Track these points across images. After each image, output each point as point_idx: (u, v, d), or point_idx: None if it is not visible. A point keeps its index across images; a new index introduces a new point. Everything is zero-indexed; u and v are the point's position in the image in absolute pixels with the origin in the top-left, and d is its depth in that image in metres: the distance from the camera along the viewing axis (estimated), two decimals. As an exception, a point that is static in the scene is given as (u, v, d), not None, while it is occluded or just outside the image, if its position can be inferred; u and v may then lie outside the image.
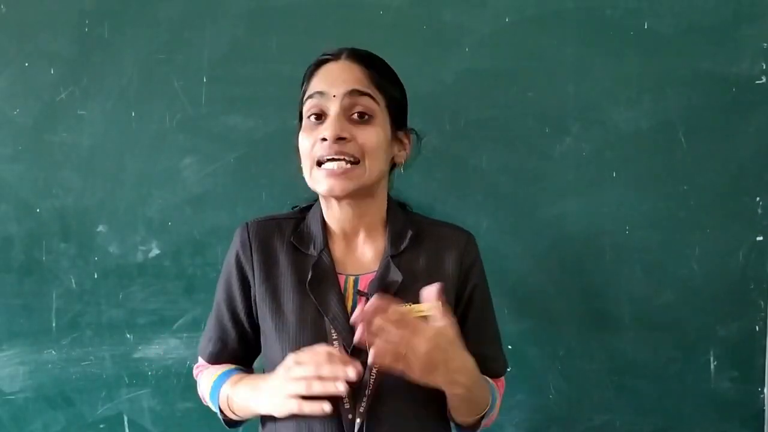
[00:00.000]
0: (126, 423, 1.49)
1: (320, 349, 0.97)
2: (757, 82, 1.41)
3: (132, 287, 1.47)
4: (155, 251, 1.46)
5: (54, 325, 1.47)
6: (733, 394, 1.46)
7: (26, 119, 1.44)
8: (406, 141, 1.12)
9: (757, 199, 1.43)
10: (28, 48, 1.43)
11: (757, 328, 1.45)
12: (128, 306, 1.47)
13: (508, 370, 1.21)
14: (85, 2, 1.43)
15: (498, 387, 1.17)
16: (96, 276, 1.46)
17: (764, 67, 1.41)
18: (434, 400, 1.08)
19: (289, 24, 1.43)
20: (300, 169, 1.09)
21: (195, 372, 1.20)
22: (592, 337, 1.46)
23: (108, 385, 1.48)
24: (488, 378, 1.12)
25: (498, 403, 1.14)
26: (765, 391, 1.46)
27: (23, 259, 1.46)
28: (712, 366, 1.46)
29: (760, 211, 1.43)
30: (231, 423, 1.12)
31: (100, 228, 1.46)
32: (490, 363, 1.13)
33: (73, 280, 1.46)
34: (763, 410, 1.46)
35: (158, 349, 1.47)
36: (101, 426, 1.49)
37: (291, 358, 0.98)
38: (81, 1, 1.43)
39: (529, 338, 1.45)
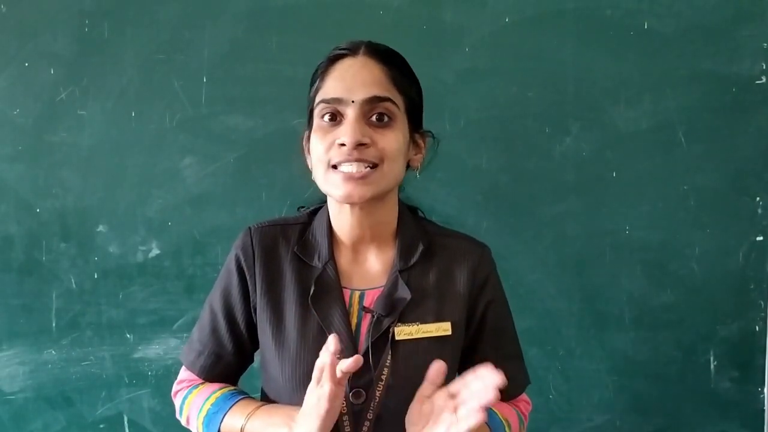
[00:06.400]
0: (126, 423, 1.49)
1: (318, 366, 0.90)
2: (757, 82, 1.41)
3: (132, 287, 1.47)
4: (155, 251, 1.46)
5: (54, 325, 1.47)
6: (733, 394, 1.46)
7: (26, 119, 1.44)
8: (421, 143, 1.05)
9: (757, 199, 1.43)
10: (28, 48, 1.43)
11: (757, 328, 1.45)
12: (128, 306, 1.47)
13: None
14: (85, 2, 1.43)
15: (519, 408, 1.10)
16: (96, 276, 1.46)
17: (764, 67, 1.41)
18: None
19: (289, 24, 1.43)
20: (309, 170, 1.03)
21: (175, 389, 1.10)
22: (592, 337, 1.46)
23: (108, 385, 1.48)
24: (495, 411, 1.05)
25: (515, 429, 1.06)
26: (765, 391, 1.46)
27: (23, 259, 1.46)
28: (712, 366, 1.46)
29: (760, 211, 1.43)
30: None
31: (100, 228, 1.46)
32: (507, 382, 1.09)
33: (73, 280, 1.46)
34: (763, 410, 1.46)
35: (158, 349, 1.47)
36: (101, 426, 1.49)
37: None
38: (81, 1, 1.43)
39: (529, 338, 1.45)
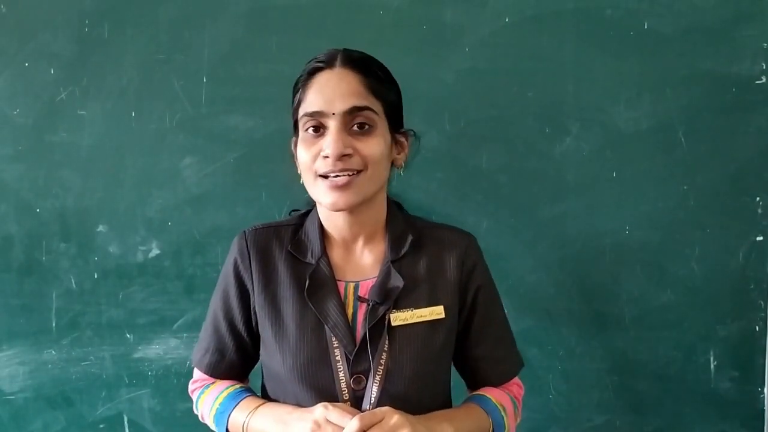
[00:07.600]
0: (126, 423, 1.49)
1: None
2: (757, 82, 1.41)
3: (132, 287, 1.47)
4: (155, 251, 1.46)
5: (54, 325, 1.47)
6: (733, 394, 1.46)
7: (26, 119, 1.44)
8: (404, 142, 1.09)
9: (757, 199, 1.43)
10: (28, 48, 1.43)
11: (757, 328, 1.45)
12: (128, 306, 1.47)
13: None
14: (85, 2, 1.43)
15: (512, 392, 1.14)
16: (96, 276, 1.46)
17: (764, 67, 1.41)
18: None
19: (289, 24, 1.43)
20: (299, 177, 1.07)
21: (191, 388, 1.17)
22: (592, 337, 1.46)
23: (108, 385, 1.48)
24: (489, 397, 1.10)
25: (510, 414, 1.11)
26: (765, 391, 1.46)
27: (23, 259, 1.46)
28: (712, 366, 1.46)
29: (760, 211, 1.43)
30: None
31: (100, 228, 1.46)
32: (500, 365, 1.13)
33: (73, 280, 1.46)
34: (763, 410, 1.46)
35: (158, 349, 1.47)
36: (101, 426, 1.49)
37: (321, 411, 0.96)
38: (81, 1, 1.43)
39: (529, 338, 1.45)
